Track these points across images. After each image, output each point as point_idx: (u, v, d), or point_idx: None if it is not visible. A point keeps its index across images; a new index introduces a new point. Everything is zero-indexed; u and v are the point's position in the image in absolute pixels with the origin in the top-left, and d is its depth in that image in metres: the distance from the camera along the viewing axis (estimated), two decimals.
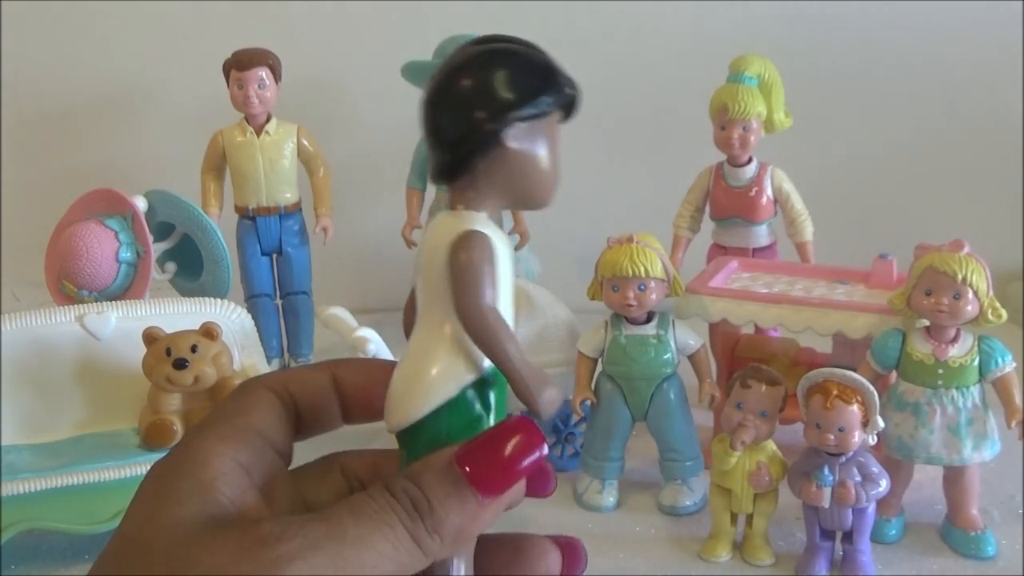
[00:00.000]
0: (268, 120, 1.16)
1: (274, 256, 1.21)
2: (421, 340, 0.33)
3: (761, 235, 1.09)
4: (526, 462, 0.30)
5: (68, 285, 1.00)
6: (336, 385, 0.35)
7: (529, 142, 0.32)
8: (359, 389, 0.35)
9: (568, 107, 0.33)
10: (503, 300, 0.32)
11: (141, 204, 1.04)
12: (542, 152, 0.33)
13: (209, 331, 0.85)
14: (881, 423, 0.77)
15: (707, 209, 1.12)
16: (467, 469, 0.30)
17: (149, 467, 0.32)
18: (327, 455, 0.36)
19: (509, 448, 0.30)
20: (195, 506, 0.29)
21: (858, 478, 0.78)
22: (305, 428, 0.35)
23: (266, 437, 0.33)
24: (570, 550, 0.34)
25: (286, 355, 1.26)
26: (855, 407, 0.76)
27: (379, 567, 0.28)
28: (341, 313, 0.96)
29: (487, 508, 0.30)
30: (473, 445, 0.31)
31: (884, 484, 0.78)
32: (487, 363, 0.32)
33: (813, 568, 0.81)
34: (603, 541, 0.87)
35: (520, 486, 0.31)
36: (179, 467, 0.31)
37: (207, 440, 0.31)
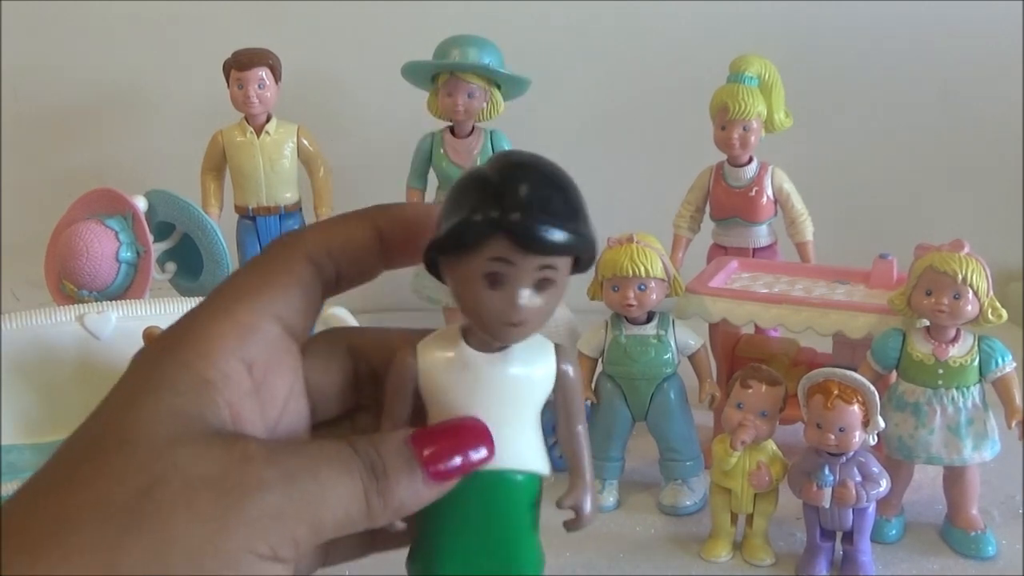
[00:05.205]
0: (268, 120, 1.16)
1: None
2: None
3: (761, 235, 1.09)
4: (473, 458, 0.31)
5: (68, 285, 1.00)
6: (379, 234, 0.34)
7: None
8: (402, 234, 0.34)
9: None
10: None
11: (141, 204, 1.04)
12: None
13: None
14: (882, 423, 0.77)
15: (707, 209, 1.12)
16: (420, 451, 0.31)
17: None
18: (333, 329, 0.36)
19: (460, 442, 0.31)
20: (191, 401, 0.29)
21: (858, 478, 0.77)
22: (344, 283, 0.34)
23: (283, 321, 0.32)
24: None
25: None
26: (856, 407, 0.76)
27: (335, 512, 0.29)
28: (341, 313, 0.96)
29: (430, 490, 0.31)
30: (429, 431, 0.32)
31: (884, 484, 0.78)
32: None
33: (813, 568, 0.81)
34: (603, 541, 0.86)
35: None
36: (177, 354, 0.30)
37: (217, 325, 0.30)
